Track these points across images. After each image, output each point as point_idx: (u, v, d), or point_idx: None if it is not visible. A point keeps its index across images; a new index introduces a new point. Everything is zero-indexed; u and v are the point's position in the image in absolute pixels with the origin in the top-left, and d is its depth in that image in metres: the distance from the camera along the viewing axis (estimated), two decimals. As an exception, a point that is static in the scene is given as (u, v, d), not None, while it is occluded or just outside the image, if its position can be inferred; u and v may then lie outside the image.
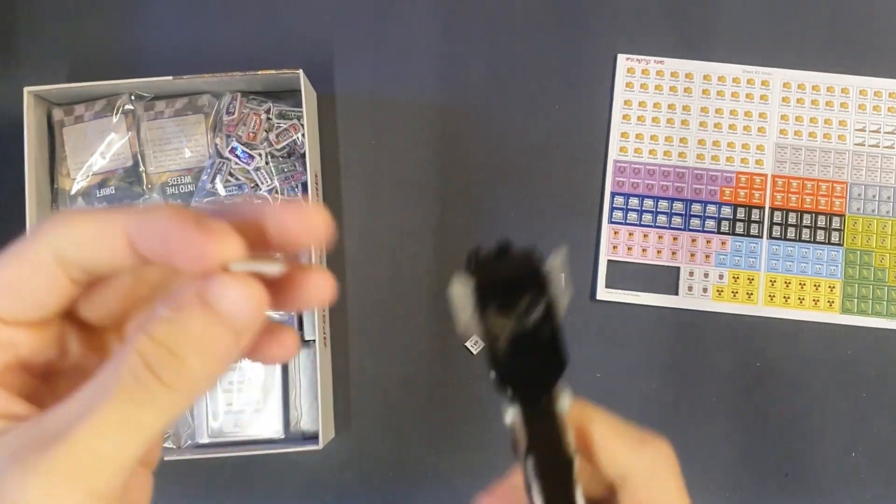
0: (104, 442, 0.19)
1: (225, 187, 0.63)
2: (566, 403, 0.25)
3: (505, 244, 0.25)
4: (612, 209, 0.68)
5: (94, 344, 0.25)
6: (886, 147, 0.69)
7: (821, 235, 0.68)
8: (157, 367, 0.20)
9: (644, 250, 0.67)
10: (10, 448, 0.20)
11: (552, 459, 0.25)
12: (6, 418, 0.21)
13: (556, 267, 0.25)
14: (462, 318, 0.25)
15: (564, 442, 0.25)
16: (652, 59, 0.69)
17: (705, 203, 0.68)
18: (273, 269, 0.22)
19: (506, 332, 0.24)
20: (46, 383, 0.24)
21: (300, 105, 0.62)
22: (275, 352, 0.25)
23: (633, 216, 0.68)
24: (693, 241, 0.68)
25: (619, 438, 0.27)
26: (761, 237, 0.68)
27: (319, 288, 0.24)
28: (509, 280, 0.24)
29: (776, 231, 0.68)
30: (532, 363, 0.25)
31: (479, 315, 0.24)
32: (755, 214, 0.68)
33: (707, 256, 0.67)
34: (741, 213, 0.68)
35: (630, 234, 0.68)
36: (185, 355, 0.21)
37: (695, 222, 0.68)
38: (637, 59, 0.69)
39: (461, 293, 0.25)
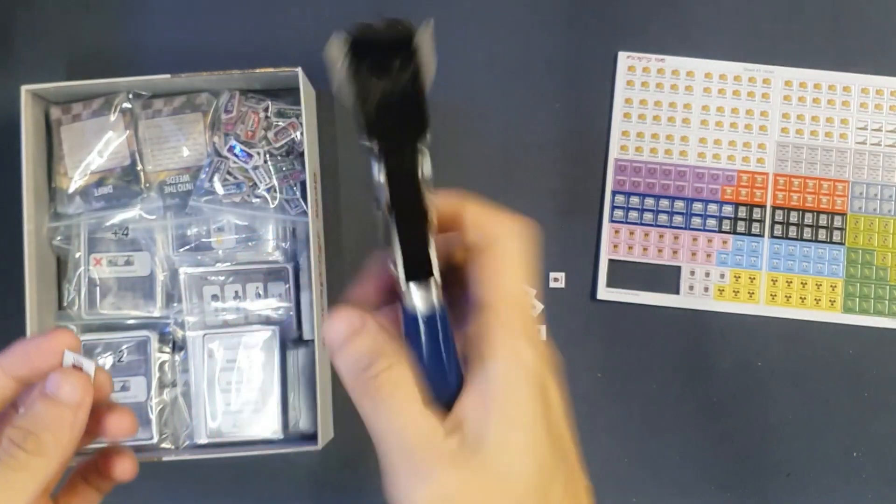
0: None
1: (223, 186, 0.63)
2: (427, 168, 0.28)
3: (388, 19, 0.27)
4: (612, 208, 0.68)
5: None
6: (888, 146, 0.68)
7: (822, 234, 0.67)
8: (21, 443, 0.32)
9: (645, 249, 0.67)
10: None
11: (410, 213, 0.28)
12: None
13: (427, 36, 0.27)
14: (336, 77, 0.27)
15: (421, 198, 0.28)
16: (653, 56, 0.69)
17: (706, 202, 0.68)
18: (90, 363, 0.34)
19: (376, 92, 0.26)
20: None
21: (299, 103, 0.62)
22: (114, 429, 0.36)
23: (633, 215, 0.68)
24: (694, 240, 0.67)
25: (484, 210, 0.31)
26: (763, 236, 0.67)
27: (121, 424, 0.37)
28: (382, 43, 0.27)
29: (778, 230, 0.67)
30: (397, 121, 0.27)
31: (351, 74, 0.26)
32: (756, 213, 0.68)
33: (708, 255, 0.67)
34: (742, 212, 0.68)
35: (631, 233, 0.67)
36: (38, 432, 0.32)
37: (696, 221, 0.68)
38: (638, 57, 0.69)
39: (336, 53, 0.26)
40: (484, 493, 0.25)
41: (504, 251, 0.30)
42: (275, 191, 0.63)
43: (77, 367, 0.34)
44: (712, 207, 0.68)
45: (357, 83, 0.26)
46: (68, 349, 0.34)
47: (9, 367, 0.33)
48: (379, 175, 0.28)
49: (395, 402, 0.27)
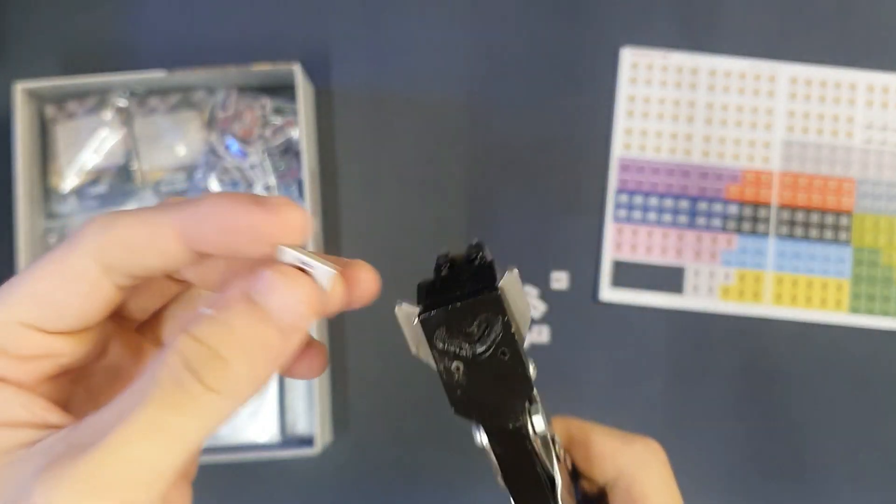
0: (139, 450, 0.18)
1: (220, 184, 0.62)
2: (541, 423, 0.24)
3: (454, 260, 0.24)
4: (616, 207, 0.67)
5: (129, 341, 0.24)
6: (894, 144, 0.68)
7: (829, 234, 0.67)
8: (200, 370, 0.19)
9: (649, 249, 0.67)
10: (42, 457, 0.19)
11: (528, 481, 0.24)
12: (41, 427, 0.20)
13: (512, 284, 0.23)
14: (411, 345, 0.24)
15: (541, 462, 0.24)
16: (657, 53, 0.68)
17: (711, 201, 0.67)
18: (325, 268, 0.21)
19: (459, 362, 0.23)
20: (80, 384, 0.23)
21: (296, 100, 0.61)
22: (303, 369, 0.24)
23: (637, 214, 0.67)
24: (699, 239, 0.67)
25: (611, 437, 0.28)
26: (768, 235, 0.67)
27: (366, 284, 0.23)
28: (459, 303, 0.23)
29: (783, 229, 0.67)
30: (493, 389, 0.23)
31: (428, 344, 0.23)
32: (762, 212, 0.67)
33: (713, 255, 0.67)
34: (748, 211, 0.67)
35: (634, 233, 0.67)
36: (230, 357, 0.19)
37: (700, 220, 0.67)
38: (641, 54, 0.68)
39: (406, 320, 0.23)
40: None
41: (645, 488, 0.27)
42: (272, 190, 0.62)
43: (301, 269, 0.21)
44: (717, 206, 0.67)
45: (436, 356, 0.23)
46: (289, 244, 0.21)
47: (191, 231, 0.21)
48: (483, 441, 0.25)
49: None
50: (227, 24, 0.69)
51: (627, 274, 0.66)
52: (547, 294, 0.66)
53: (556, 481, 0.24)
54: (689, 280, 0.66)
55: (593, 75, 0.68)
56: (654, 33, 0.69)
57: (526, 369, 0.23)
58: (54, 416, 0.21)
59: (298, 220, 0.20)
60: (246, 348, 0.20)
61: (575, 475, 0.28)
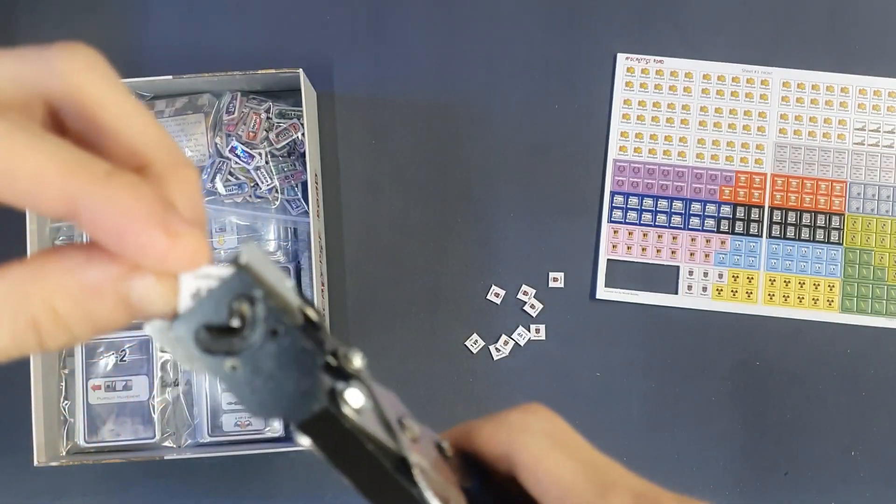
0: None
1: (225, 186, 0.63)
2: (358, 398, 0.21)
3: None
4: (611, 208, 0.68)
5: None
6: (886, 146, 0.69)
7: (820, 234, 0.68)
8: (46, 336, 0.19)
9: (643, 249, 0.67)
10: None
11: (371, 472, 0.21)
12: None
13: (255, 256, 0.20)
14: (182, 361, 0.20)
15: (381, 445, 0.21)
16: (651, 58, 0.69)
17: (705, 202, 0.68)
18: (222, 271, 0.20)
19: (234, 359, 0.20)
20: None
21: (300, 104, 0.62)
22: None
23: (632, 215, 0.68)
24: (692, 240, 0.68)
25: (487, 421, 0.25)
26: (761, 236, 0.68)
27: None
28: (205, 294, 0.20)
29: (776, 230, 0.68)
30: (283, 375, 0.20)
31: (194, 352, 0.20)
32: (755, 213, 0.68)
33: (706, 255, 0.67)
34: (741, 213, 0.68)
35: (629, 234, 0.68)
36: (79, 330, 0.19)
37: (694, 221, 0.68)
38: (637, 59, 0.69)
39: (162, 336, 0.20)
40: None
41: (531, 451, 0.24)
42: (276, 191, 0.63)
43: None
44: (710, 208, 0.68)
45: (206, 362, 0.20)
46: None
47: (93, 207, 0.18)
48: (304, 442, 0.20)
49: None
50: (232, 31, 0.69)
51: (623, 274, 0.67)
52: (544, 293, 0.67)
53: (410, 462, 0.21)
54: (682, 280, 0.67)
55: (589, 80, 0.69)
56: (649, 39, 0.69)
57: (301, 342, 0.20)
58: None
59: (190, 254, 0.19)
60: (98, 325, 0.19)
61: (484, 475, 0.25)
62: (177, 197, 0.20)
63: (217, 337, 0.20)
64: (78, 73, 0.20)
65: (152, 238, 0.18)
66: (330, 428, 0.20)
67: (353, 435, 0.20)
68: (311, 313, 0.21)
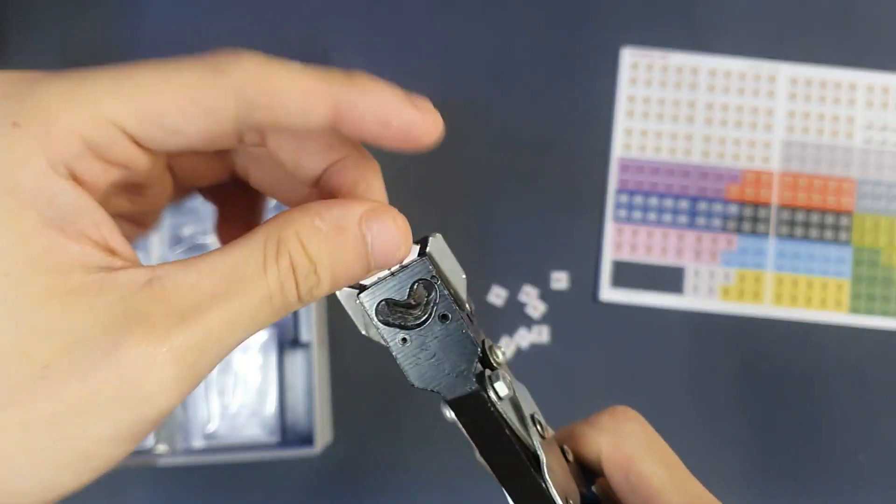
0: (226, 332, 0.19)
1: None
2: (503, 388, 0.24)
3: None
4: (616, 207, 0.67)
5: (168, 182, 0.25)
6: (895, 144, 0.68)
7: (829, 234, 0.67)
8: (302, 284, 0.20)
9: (649, 249, 0.67)
10: (121, 299, 0.18)
11: (506, 455, 0.24)
12: (103, 250, 0.19)
13: (438, 248, 0.24)
14: (360, 326, 0.24)
15: (517, 435, 0.24)
16: (657, 53, 0.68)
17: (711, 201, 0.67)
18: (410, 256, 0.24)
19: (405, 332, 0.23)
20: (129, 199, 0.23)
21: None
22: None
23: (637, 214, 0.67)
24: (699, 239, 0.67)
25: (580, 425, 0.27)
26: (768, 236, 0.67)
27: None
28: (392, 274, 0.23)
29: (783, 229, 0.67)
30: (443, 356, 0.24)
31: (373, 320, 0.24)
32: (762, 212, 0.67)
33: (713, 255, 0.67)
34: (748, 212, 0.67)
35: (634, 233, 0.67)
36: (325, 279, 0.21)
37: (700, 221, 0.67)
38: (641, 54, 0.68)
39: (349, 301, 0.24)
40: None
41: (625, 457, 0.26)
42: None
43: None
44: (717, 207, 0.67)
45: (381, 331, 0.24)
46: None
47: (346, 108, 0.21)
48: (450, 414, 0.25)
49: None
50: (226, 24, 0.69)
51: (627, 274, 0.67)
52: (547, 294, 0.66)
53: (541, 457, 0.24)
54: (689, 280, 0.67)
55: (593, 76, 0.68)
56: (654, 34, 0.69)
57: (465, 329, 0.23)
58: (117, 242, 0.20)
59: (439, 126, 0.22)
60: (339, 275, 0.21)
61: (590, 475, 0.28)
62: (375, 186, 0.25)
63: (395, 311, 0.23)
64: (259, 84, 0.21)
65: (412, 114, 0.21)
66: (477, 408, 0.24)
67: (496, 419, 0.24)
68: (471, 308, 0.25)
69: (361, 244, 0.21)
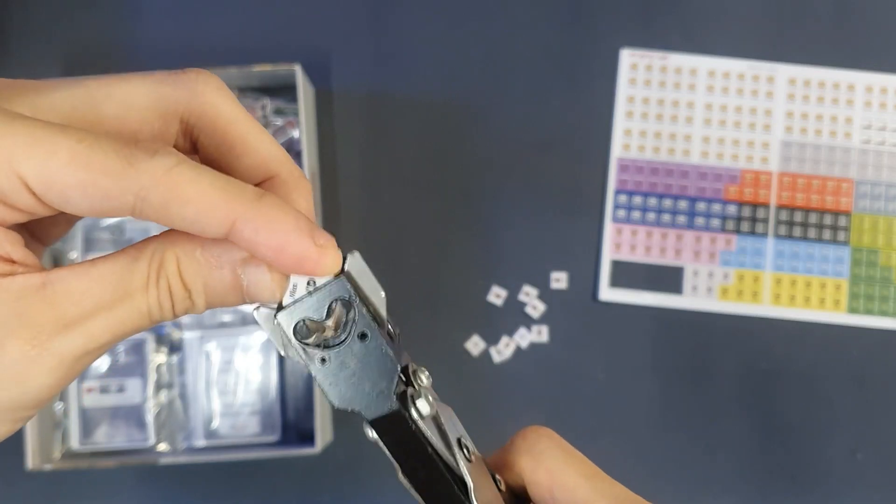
0: (107, 337, 0.22)
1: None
2: (425, 407, 0.24)
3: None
4: (615, 207, 0.67)
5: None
6: (893, 144, 0.68)
7: (827, 234, 0.67)
8: (177, 305, 0.22)
9: (648, 249, 0.67)
10: (15, 300, 0.21)
11: (431, 477, 0.24)
12: (6, 262, 0.21)
13: (357, 266, 0.23)
14: (279, 347, 0.24)
15: (442, 458, 0.24)
16: (656, 54, 0.69)
17: (710, 201, 0.67)
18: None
19: (325, 352, 0.23)
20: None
21: (297, 101, 0.61)
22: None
23: (636, 214, 0.67)
24: (697, 239, 0.67)
25: (497, 454, 0.28)
26: (767, 236, 0.67)
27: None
28: (310, 293, 0.23)
29: (782, 230, 0.67)
30: (363, 375, 0.23)
31: (291, 341, 0.23)
32: (760, 213, 0.67)
33: (712, 255, 0.67)
34: (746, 212, 0.67)
35: (633, 233, 0.67)
36: (199, 303, 0.23)
37: (699, 221, 0.67)
38: (641, 55, 0.69)
39: (267, 322, 0.23)
40: None
41: (547, 473, 0.26)
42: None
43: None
44: (716, 207, 0.67)
45: (300, 351, 0.23)
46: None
47: (248, 230, 0.21)
48: (372, 434, 0.24)
49: None
50: (228, 25, 0.69)
51: (626, 274, 0.67)
52: (546, 294, 0.67)
53: (467, 481, 0.24)
54: (687, 280, 0.67)
55: (593, 77, 0.69)
56: (653, 35, 0.69)
57: (385, 348, 0.23)
58: (18, 253, 0.22)
59: (336, 263, 0.22)
60: (214, 303, 0.23)
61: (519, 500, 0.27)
62: (300, 207, 0.24)
63: (313, 331, 0.23)
64: (213, 92, 0.24)
65: (307, 250, 0.21)
66: (398, 427, 0.24)
67: (418, 438, 0.24)
68: (392, 328, 0.24)
69: (236, 281, 0.22)
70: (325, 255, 0.22)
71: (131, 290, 0.22)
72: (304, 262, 0.22)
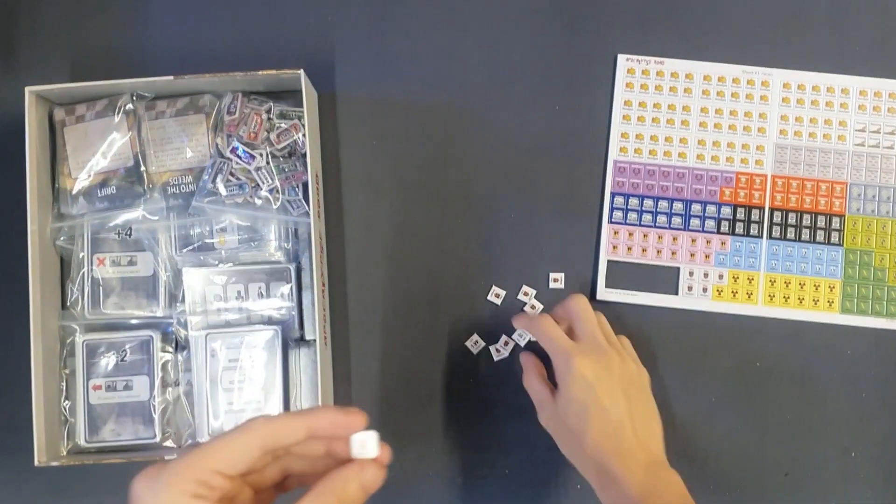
0: None
1: (226, 187, 0.63)
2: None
3: None
4: (612, 209, 0.68)
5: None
6: (886, 147, 0.69)
7: (820, 235, 0.68)
8: None
9: (644, 250, 0.68)
10: None
11: None
12: None
13: None
14: None
15: None
16: (652, 59, 0.69)
17: (705, 203, 0.68)
18: (373, 438, 0.40)
19: None
20: None
21: (301, 105, 0.62)
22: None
23: (633, 216, 0.68)
24: (693, 241, 0.68)
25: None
26: (761, 237, 0.68)
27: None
28: None
29: (776, 231, 0.68)
30: None
31: None
32: (755, 214, 0.68)
33: (707, 256, 0.67)
34: (741, 214, 0.68)
35: (630, 234, 0.68)
36: None
37: (695, 222, 0.68)
38: (637, 60, 0.69)
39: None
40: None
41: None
42: (277, 192, 0.63)
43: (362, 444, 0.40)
44: (711, 209, 0.68)
45: None
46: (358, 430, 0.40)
47: (315, 426, 0.39)
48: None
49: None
50: (233, 32, 0.69)
51: (623, 275, 0.67)
52: (544, 294, 0.67)
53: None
54: (683, 281, 0.67)
55: (590, 81, 0.69)
56: (650, 40, 0.69)
57: None
58: None
59: (363, 419, 0.40)
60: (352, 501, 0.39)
61: None
62: None
63: None
64: None
65: (345, 419, 0.41)
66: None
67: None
68: None
69: (362, 493, 0.39)
70: (354, 418, 0.41)
71: None
72: (346, 427, 0.41)
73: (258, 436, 0.37)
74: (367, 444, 0.40)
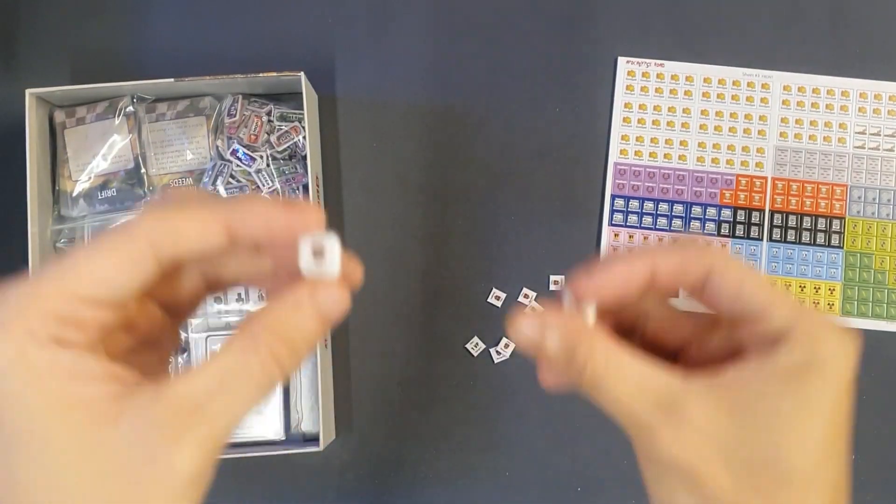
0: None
1: (226, 189, 0.63)
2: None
3: None
4: (612, 211, 0.68)
5: (151, 313, 0.30)
6: (886, 150, 0.69)
7: (821, 238, 0.68)
8: (282, 361, 0.25)
9: (644, 253, 0.67)
10: (154, 415, 0.24)
11: None
12: (117, 380, 0.25)
13: None
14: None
15: None
16: (652, 61, 0.69)
17: (705, 205, 0.68)
18: (335, 246, 0.27)
19: None
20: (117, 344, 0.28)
21: (301, 107, 0.62)
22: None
23: (633, 219, 0.68)
24: (693, 243, 0.68)
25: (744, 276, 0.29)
26: (761, 240, 0.68)
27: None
28: None
29: (776, 234, 0.68)
30: None
31: None
32: (755, 217, 0.68)
33: (707, 259, 0.67)
34: (741, 216, 0.68)
35: (630, 237, 0.68)
36: (300, 349, 0.26)
37: (695, 225, 0.68)
38: (637, 62, 0.69)
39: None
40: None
41: (737, 276, 0.29)
42: (277, 194, 0.63)
43: (318, 252, 0.26)
44: (711, 211, 0.68)
45: None
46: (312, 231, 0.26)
47: (238, 225, 0.26)
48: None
49: (612, 381, 0.28)
50: (234, 34, 0.69)
51: (623, 277, 0.67)
52: (545, 296, 0.67)
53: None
54: (683, 283, 0.67)
55: (590, 84, 0.69)
56: (650, 43, 0.69)
57: None
58: (119, 369, 0.25)
59: (317, 216, 0.26)
60: (310, 342, 0.26)
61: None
62: None
63: None
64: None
65: (290, 213, 0.26)
66: None
67: None
68: None
69: (318, 317, 0.26)
70: (308, 213, 0.27)
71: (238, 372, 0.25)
72: (293, 223, 0.27)
73: (146, 242, 0.25)
74: (323, 253, 0.26)
